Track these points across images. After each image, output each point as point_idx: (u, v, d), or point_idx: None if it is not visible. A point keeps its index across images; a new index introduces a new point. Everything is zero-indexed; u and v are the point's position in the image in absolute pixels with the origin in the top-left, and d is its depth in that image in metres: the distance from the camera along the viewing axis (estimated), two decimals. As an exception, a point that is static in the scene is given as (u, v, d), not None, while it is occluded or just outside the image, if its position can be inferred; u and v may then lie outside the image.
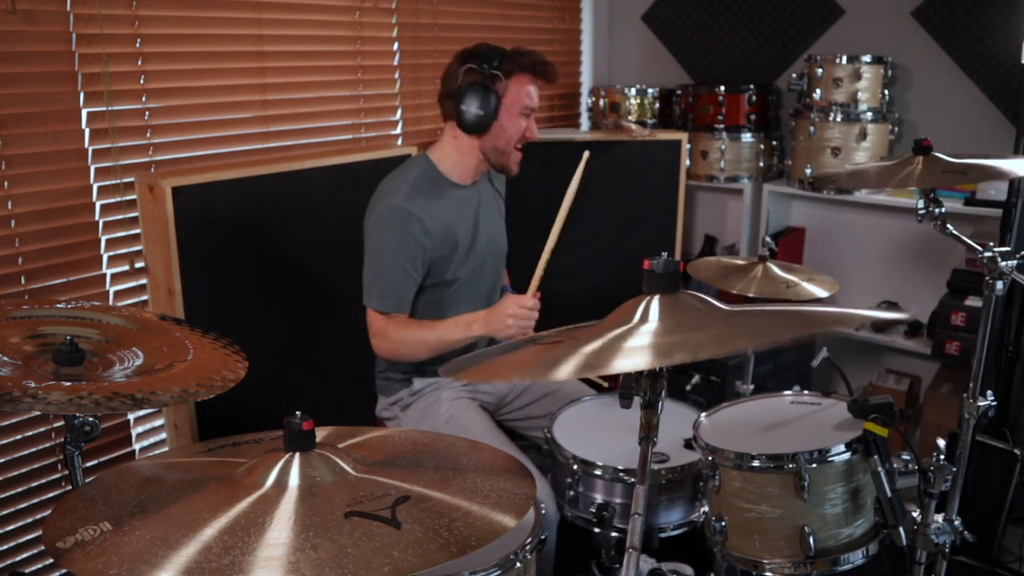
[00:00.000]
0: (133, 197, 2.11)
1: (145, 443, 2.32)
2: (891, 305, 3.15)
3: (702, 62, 3.54)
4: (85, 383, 1.23)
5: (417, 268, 1.99)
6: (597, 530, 1.79)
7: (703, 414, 1.75)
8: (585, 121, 3.71)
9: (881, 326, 1.46)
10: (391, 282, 1.98)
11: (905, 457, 1.54)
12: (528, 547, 1.41)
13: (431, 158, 2.07)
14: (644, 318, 1.12)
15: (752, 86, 3.20)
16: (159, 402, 1.24)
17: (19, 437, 2.04)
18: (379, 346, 2.03)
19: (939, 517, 1.61)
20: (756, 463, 1.53)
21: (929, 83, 3.01)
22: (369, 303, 2.00)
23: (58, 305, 1.54)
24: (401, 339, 1.97)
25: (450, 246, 2.05)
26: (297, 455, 1.07)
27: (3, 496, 2.03)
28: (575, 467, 1.80)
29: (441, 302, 2.08)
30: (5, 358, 1.28)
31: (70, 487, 1.32)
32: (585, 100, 3.71)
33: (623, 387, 1.15)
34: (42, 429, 2.08)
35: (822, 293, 2.13)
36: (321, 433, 1.19)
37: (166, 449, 2.29)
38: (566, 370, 1.01)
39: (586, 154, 2.04)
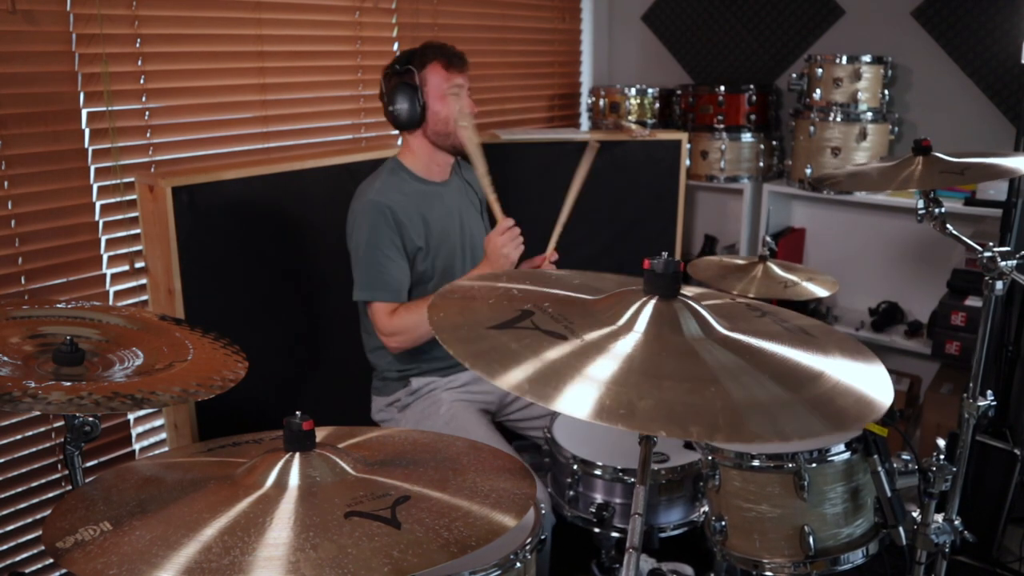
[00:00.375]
0: (133, 197, 2.11)
1: (145, 443, 2.32)
2: (891, 306, 3.15)
3: (702, 62, 3.54)
4: (85, 383, 1.23)
5: (401, 254, 2.04)
6: (597, 530, 1.79)
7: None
8: (585, 121, 3.71)
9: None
10: (381, 271, 2.02)
11: (905, 457, 1.54)
12: (528, 547, 1.41)
13: (399, 159, 2.15)
14: (630, 325, 1.04)
15: (752, 86, 3.20)
16: (159, 402, 1.24)
17: (19, 437, 2.04)
18: (397, 341, 2.04)
19: (939, 517, 1.61)
20: (756, 463, 1.53)
21: (929, 83, 3.01)
22: (365, 296, 2.04)
23: (58, 305, 1.54)
24: (417, 321, 1.99)
25: (425, 236, 2.09)
26: (297, 455, 1.07)
27: (3, 496, 2.03)
28: (575, 467, 1.80)
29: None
30: (5, 358, 1.28)
31: (70, 487, 1.32)
32: (585, 100, 3.71)
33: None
34: (42, 429, 2.08)
35: (823, 292, 2.13)
36: (321, 433, 1.19)
37: (166, 449, 2.29)
38: (514, 378, 0.93)
39: (592, 143, 2.17)
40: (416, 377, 2.16)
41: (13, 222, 1.97)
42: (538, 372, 0.94)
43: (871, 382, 1.05)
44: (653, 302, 1.08)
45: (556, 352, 0.98)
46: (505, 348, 1.00)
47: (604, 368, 0.96)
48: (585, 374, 0.94)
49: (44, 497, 2.11)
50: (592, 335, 1.02)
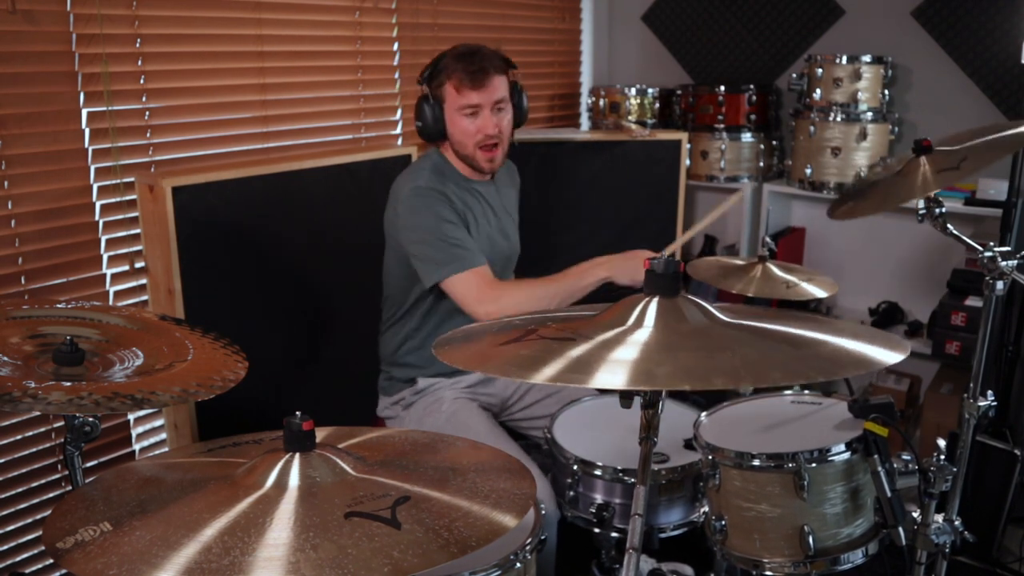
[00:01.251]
0: (133, 197, 2.11)
1: (145, 443, 2.32)
2: (891, 306, 3.15)
3: (702, 62, 3.54)
4: (85, 383, 1.23)
5: (460, 224, 1.98)
6: (597, 530, 1.78)
7: (703, 413, 1.75)
8: (585, 121, 3.71)
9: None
10: (460, 243, 1.94)
11: (905, 457, 1.54)
12: (528, 547, 1.41)
13: (443, 153, 2.11)
14: (639, 322, 1.10)
15: (752, 86, 3.20)
16: (159, 402, 1.24)
17: (19, 437, 2.04)
18: (489, 310, 1.88)
19: (939, 517, 1.61)
20: (756, 462, 1.53)
21: (929, 83, 3.01)
22: (459, 269, 1.92)
23: (58, 305, 1.54)
24: (528, 295, 1.89)
25: (477, 231, 2.06)
26: (297, 455, 1.07)
27: (3, 496, 2.03)
28: (575, 467, 1.79)
29: (451, 306, 2.03)
30: (5, 358, 1.28)
31: (70, 487, 1.32)
32: (585, 100, 3.71)
33: (624, 386, 1.15)
34: (42, 429, 2.07)
35: (821, 293, 2.13)
36: (321, 433, 1.19)
37: (166, 449, 2.29)
38: (547, 374, 0.99)
39: (736, 196, 2.14)
40: (423, 377, 2.16)
41: (13, 222, 1.97)
42: (567, 366, 1.01)
43: (878, 343, 1.11)
44: (656, 300, 1.13)
45: (577, 351, 1.05)
46: (524, 356, 1.07)
47: (626, 353, 1.03)
48: (610, 359, 1.02)
49: (44, 497, 2.11)
50: (604, 336, 1.08)
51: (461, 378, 2.18)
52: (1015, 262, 1.65)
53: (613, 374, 0.98)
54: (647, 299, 1.14)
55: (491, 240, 2.12)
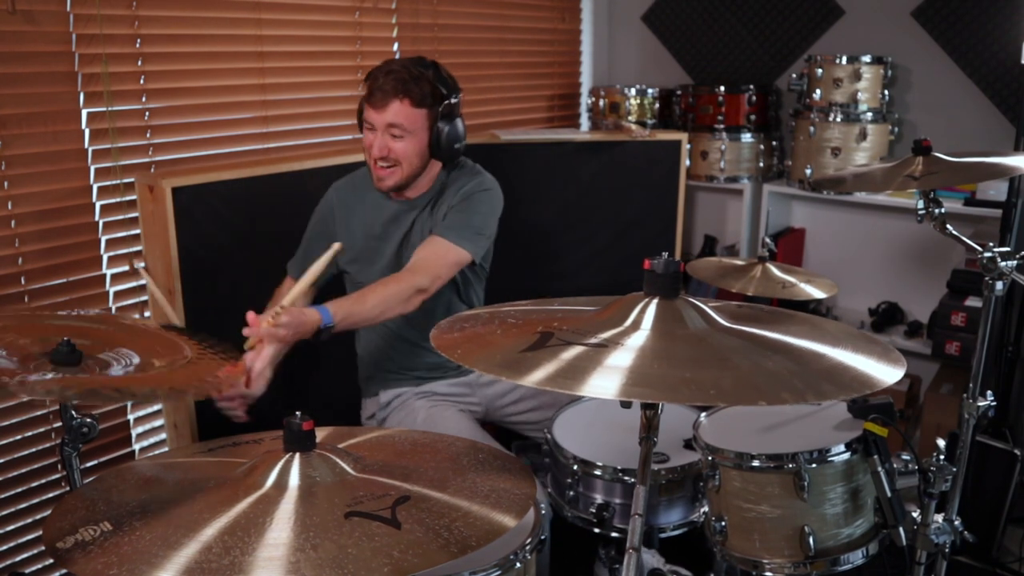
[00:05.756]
0: (133, 197, 2.11)
1: (145, 443, 2.32)
2: (891, 306, 3.15)
3: (702, 62, 3.54)
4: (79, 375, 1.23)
5: (312, 234, 2.13)
6: (597, 530, 1.78)
7: (703, 414, 1.75)
8: (585, 121, 3.71)
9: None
10: (301, 249, 2.15)
11: (905, 457, 1.54)
12: (528, 547, 1.41)
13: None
14: (636, 324, 1.10)
15: (752, 86, 3.20)
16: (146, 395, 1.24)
17: (19, 437, 2.04)
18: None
19: (939, 517, 1.61)
20: (756, 463, 1.53)
21: (929, 83, 3.01)
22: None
23: (59, 312, 1.53)
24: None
25: (363, 244, 2.07)
26: (297, 455, 1.08)
27: (3, 496, 2.03)
28: (575, 467, 1.79)
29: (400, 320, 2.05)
30: (3, 352, 1.27)
31: (70, 488, 1.31)
32: (585, 100, 3.71)
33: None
34: (42, 429, 2.08)
35: (820, 295, 2.13)
36: (321, 433, 1.19)
37: (166, 449, 2.29)
38: (537, 377, 0.99)
39: (336, 246, 1.81)
40: (385, 390, 2.14)
41: (13, 222, 1.97)
42: (559, 370, 1.00)
43: (874, 355, 1.10)
44: (655, 302, 1.13)
45: (570, 353, 1.04)
46: (518, 357, 1.06)
47: (621, 359, 1.02)
48: (605, 365, 1.01)
49: (44, 497, 2.11)
50: (601, 335, 1.08)
51: (431, 385, 2.13)
52: (1015, 262, 1.65)
53: (605, 383, 0.97)
54: (647, 300, 1.14)
55: (396, 250, 2.07)
